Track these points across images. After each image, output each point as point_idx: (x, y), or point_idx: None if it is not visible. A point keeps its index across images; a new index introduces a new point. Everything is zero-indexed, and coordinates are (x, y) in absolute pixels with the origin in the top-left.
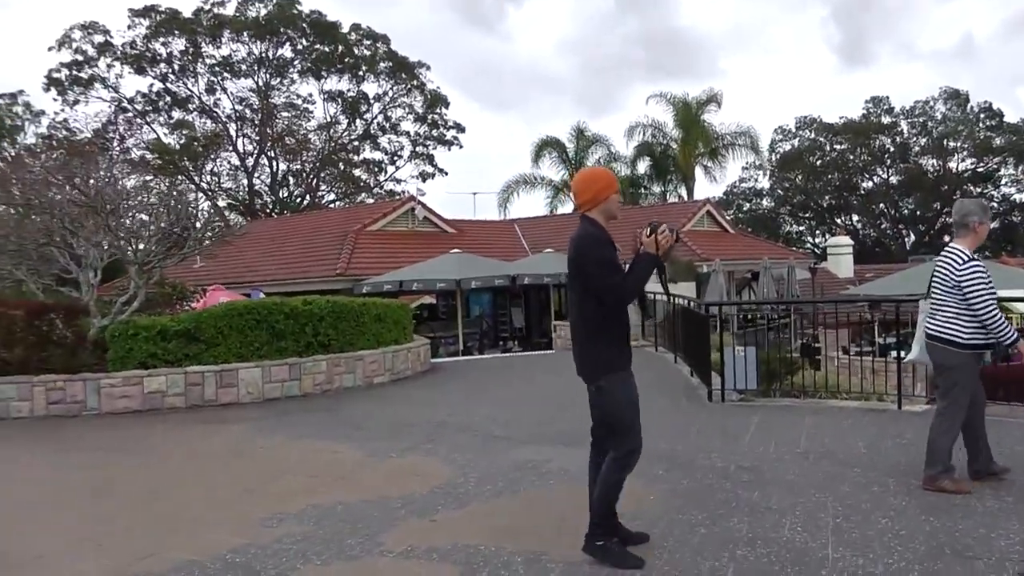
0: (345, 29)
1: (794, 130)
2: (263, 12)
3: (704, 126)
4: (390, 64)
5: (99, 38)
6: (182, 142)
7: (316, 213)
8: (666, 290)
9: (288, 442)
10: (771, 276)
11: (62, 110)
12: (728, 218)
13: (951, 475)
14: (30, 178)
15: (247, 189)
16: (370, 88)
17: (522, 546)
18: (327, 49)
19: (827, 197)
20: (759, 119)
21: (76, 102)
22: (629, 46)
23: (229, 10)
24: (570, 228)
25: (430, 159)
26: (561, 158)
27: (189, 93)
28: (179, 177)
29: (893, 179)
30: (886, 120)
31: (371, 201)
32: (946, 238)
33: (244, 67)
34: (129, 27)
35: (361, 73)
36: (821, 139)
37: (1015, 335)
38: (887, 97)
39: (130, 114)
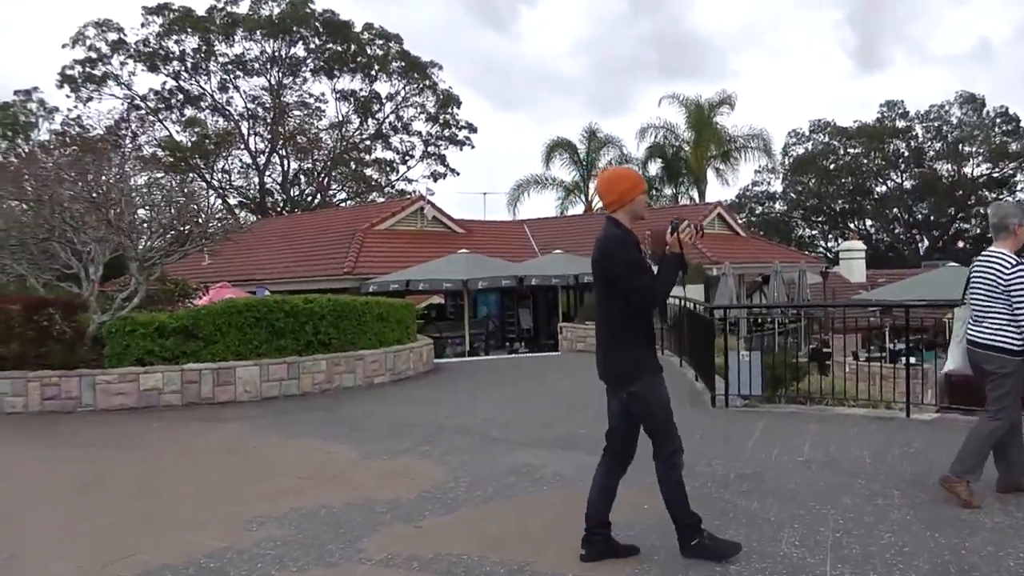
0: (358, 28)
1: (808, 133)
2: (276, 11)
3: (716, 128)
4: (402, 64)
5: (113, 36)
6: (193, 139)
7: (325, 212)
8: (684, 289)
9: (283, 442)
10: (782, 280)
11: (75, 107)
12: (740, 221)
13: (971, 484)
14: (42, 174)
15: (258, 187)
16: (382, 87)
17: (507, 555)
18: (340, 48)
19: (840, 201)
20: (772, 122)
21: (89, 99)
22: (642, 47)
23: (242, 8)
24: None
25: (442, 159)
26: (572, 159)
27: (201, 91)
28: (190, 175)
29: (907, 184)
30: (901, 124)
31: (382, 200)
32: (960, 244)
33: (257, 65)
34: (143, 25)
35: (373, 72)
36: (835, 143)
37: None
38: (902, 101)
39: (143, 111)
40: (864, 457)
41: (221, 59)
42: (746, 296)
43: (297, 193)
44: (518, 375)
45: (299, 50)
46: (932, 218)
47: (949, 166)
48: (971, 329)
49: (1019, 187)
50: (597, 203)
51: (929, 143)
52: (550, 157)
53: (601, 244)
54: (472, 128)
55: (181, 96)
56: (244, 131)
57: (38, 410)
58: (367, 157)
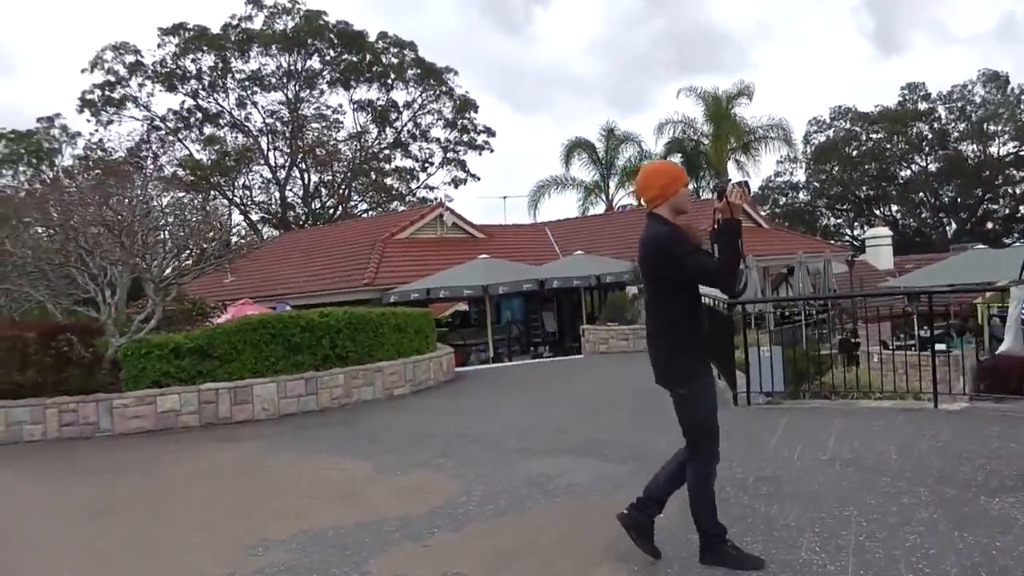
0: (372, 38)
1: (828, 121)
2: (290, 25)
3: (735, 120)
4: (418, 71)
5: (130, 58)
6: (213, 158)
7: (345, 223)
8: (743, 254)
9: (298, 459)
10: (807, 271)
11: (96, 131)
12: (764, 213)
13: None
14: (66, 199)
15: (279, 202)
16: (399, 96)
17: (516, 573)
18: (355, 59)
19: (864, 188)
20: (793, 111)
21: (110, 122)
22: (659, 44)
23: (257, 24)
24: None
25: (462, 164)
26: (591, 159)
27: (220, 108)
28: (211, 193)
29: (932, 167)
30: (923, 107)
31: (403, 209)
32: (988, 225)
33: (273, 80)
34: (159, 46)
35: (390, 81)
36: (856, 129)
37: None
38: (923, 83)
39: (162, 132)
40: (890, 453)
41: (238, 75)
42: (771, 289)
43: (319, 206)
44: (539, 380)
45: (315, 62)
46: (959, 200)
47: (974, 146)
48: None
49: None
50: (618, 201)
51: (953, 124)
52: (569, 157)
53: (648, 242)
54: (491, 132)
55: (200, 114)
56: (264, 146)
57: (56, 437)
58: (387, 166)
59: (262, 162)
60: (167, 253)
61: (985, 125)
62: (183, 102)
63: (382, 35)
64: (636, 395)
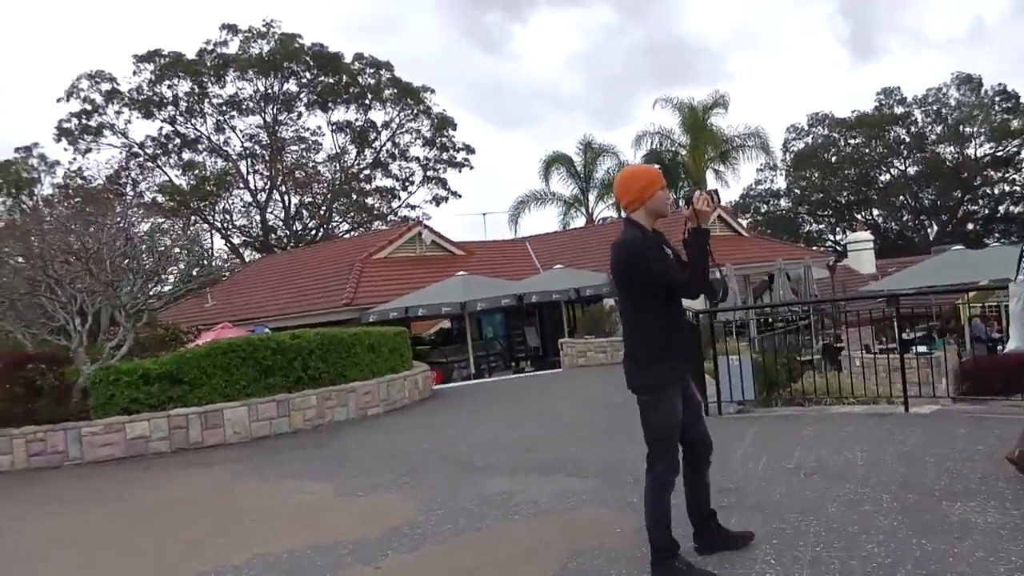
0: (348, 59)
1: (806, 128)
2: (266, 48)
3: (712, 130)
4: (395, 91)
5: (106, 86)
6: (193, 183)
7: (324, 245)
8: (713, 260)
9: (263, 484)
10: (786, 277)
11: (74, 159)
12: (746, 221)
13: None
14: (45, 228)
15: (260, 225)
16: (377, 116)
17: None
18: (331, 80)
19: (845, 193)
20: (771, 119)
21: (88, 150)
22: (637, 57)
23: (232, 49)
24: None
25: (442, 183)
26: (570, 172)
27: (198, 133)
28: (192, 218)
29: (911, 170)
30: (899, 111)
31: (384, 228)
32: (969, 226)
33: (251, 104)
34: (134, 73)
35: (367, 102)
36: (835, 135)
37: None
38: (898, 87)
39: (141, 158)
40: (856, 459)
41: (215, 100)
42: (754, 297)
43: (301, 228)
44: (515, 396)
45: (292, 85)
46: (939, 203)
47: (952, 149)
48: None
49: None
50: (598, 214)
51: (930, 127)
52: (548, 172)
53: (617, 248)
54: (470, 149)
55: (178, 140)
56: (243, 170)
57: (24, 467)
58: (367, 186)
59: (242, 186)
60: (136, 280)
61: (961, 127)
62: (161, 128)
63: (358, 56)
64: (608, 409)
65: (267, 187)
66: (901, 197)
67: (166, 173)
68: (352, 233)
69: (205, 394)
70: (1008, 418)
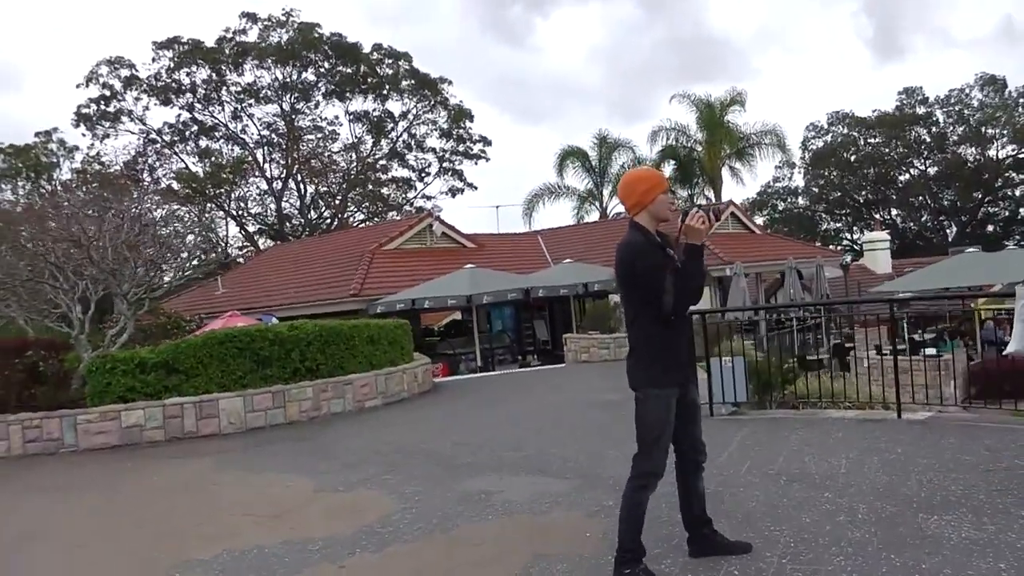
0: (367, 49)
1: (826, 126)
2: (285, 37)
3: (729, 127)
4: (412, 81)
5: (125, 72)
6: (208, 170)
7: (336, 234)
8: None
9: (246, 476)
10: (797, 275)
11: (92, 145)
12: (763, 218)
13: None
14: (65, 213)
15: (276, 213)
16: (394, 106)
17: None
18: (350, 70)
19: (864, 192)
20: (794, 117)
21: (106, 136)
22: (660, 52)
23: (251, 37)
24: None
25: (459, 174)
26: (584, 167)
27: (215, 121)
28: (208, 205)
29: (931, 170)
30: (920, 111)
31: (399, 219)
32: (989, 228)
33: (269, 93)
34: (153, 60)
35: (385, 92)
36: (854, 134)
37: None
38: (920, 87)
39: (158, 145)
40: (839, 467)
41: (233, 88)
42: (765, 296)
43: (316, 217)
44: (515, 391)
45: (310, 75)
46: (959, 204)
47: (973, 150)
48: None
49: None
50: (612, 209)
51: (951, 128)
52: (563, 166)
53: (620, 251)
54: (487, 141)
55: (195, 127)
56: (259, 158)
57: (20, 453)
58: (383, 176)
59: (258, 174)
60: (138, 268)
61: (983, 128)
62: (179, 115)
63: (377, 47)
64: (604, 407)
65: (283, 176)
66: (920, 197)
67: (183, 160)
68: (367, 223)
69: (201, 384)
70: (1001, 427)
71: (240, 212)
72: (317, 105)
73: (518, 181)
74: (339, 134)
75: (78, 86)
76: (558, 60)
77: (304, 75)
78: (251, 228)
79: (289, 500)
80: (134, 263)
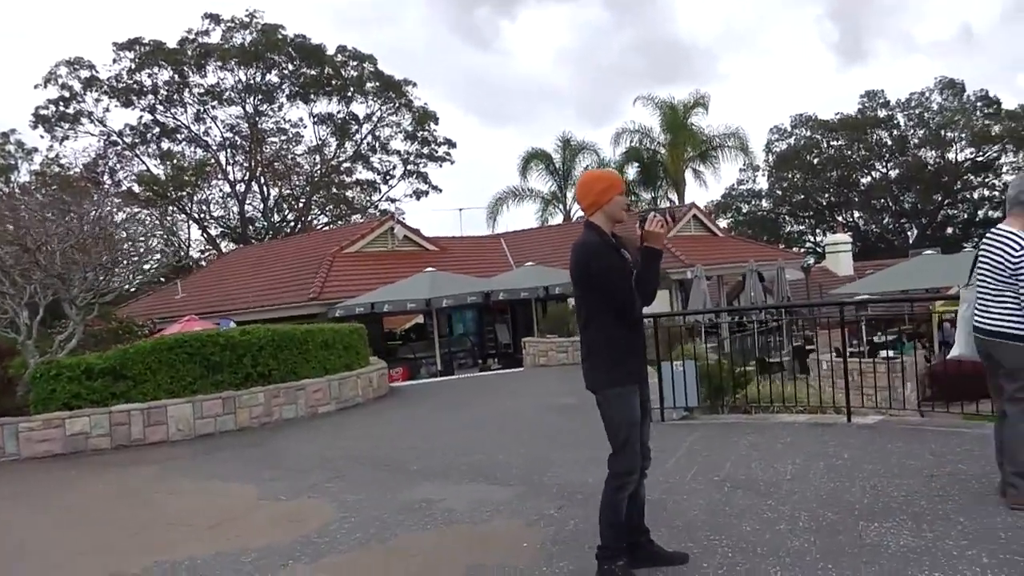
0: (331, 51)
1: (789, 129)
2: (248, 39)
3: (692, 130)
4: (377, 84)
5: (85, 73)
6: (170, 173)
7: (298, 237)
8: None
9: (190, 484)
10: (757, 278)
11: (51, 146)
12: (727, 221)
13: None
14: (23, 216)
15: (239, 216)
16: (359, 109)
17: None
18: (314, 72)
19: (827, 195)
20: (760, 120)
21: (65, 138)
22: (628, 54)
23: (214, 38)
24: (559, 239)
25: (423, 177)
26: (548, 169)
27: (178, 123)
28: (170, 208)
29: (892, 173)
30: (882, 114)
31: (362, 222)
32: (949, 230)
33: (232, 95)
34: (114, 61)
35: (349, 94)
36: (817, 136)
37: None
38: (882, 90)
39: (119, 147)
40: (785, 473)
41: (195, 90)
42: (727, 299)
43: (279, 219)
44: (471, 396)
45: (273, 76)
46: (919, 206)
47: (933, 153)
48: (978, 315)
49: (1003, 170)
50: (576, 212)
51: (912, 131)
52: (526, 168)
53: (575, 251)
54: (452, 144)
55: (157, 129)
56: (223, 160)
57: None
58: (347, 179)
59: (221, 176)
60: (87, 272)
61: (943, 132)
62: (140, 117)
63: (341, 48)
64: (559, 412)
65: (246, 178)
66: (882, 200)
67: (144, 162)
68: (331, 226)
69: (150, 390)
70: (948, 431)
71: (202, 215)
72: (281, 107)
73: (485, 184)
74: (303, 136)
75: (36, 87)
76: (526, 62)
77: (268, 77)
78: (213, 231)
79: (231, 509)
80: (83, 268)
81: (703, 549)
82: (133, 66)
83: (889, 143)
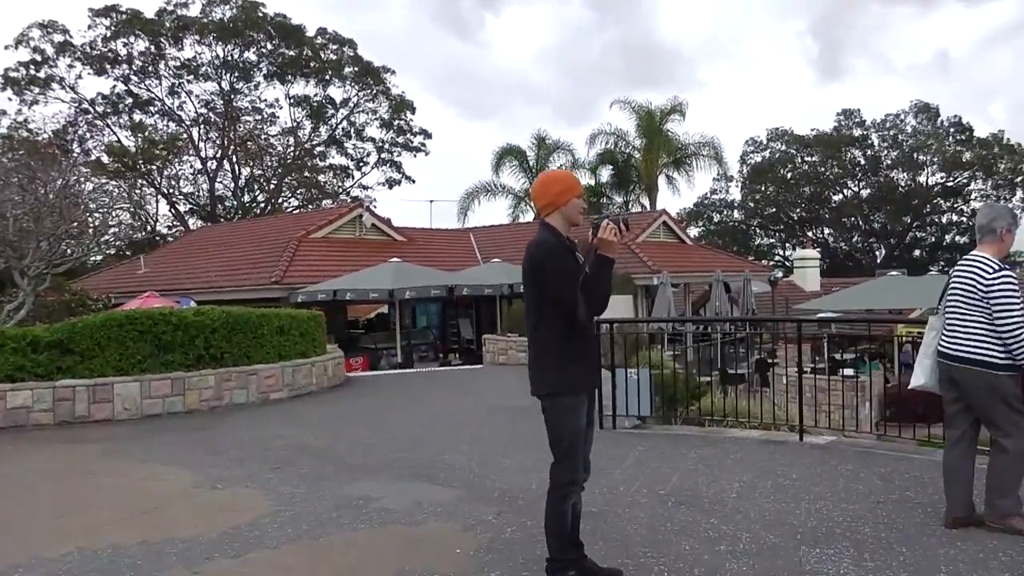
0: (311, 33)
1: (765, 142)
2: (228, 14)
3: (668, 136)
4: (356, 69)
5: (58, 37)
6: (141, 145)
7: (266, 219)
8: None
9: (127, 466)
10: (723, 289)
11: (19, 111)
12: (697, 230)
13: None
14: None
15: (208, 194)
16: (336, 93)
17: None
18: (292, 53)
19: (798, 209)
20: (737, 130)
21: (35, 102)
22: (610, 56)
23: (193, 11)
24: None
25: (397, 166)
26: (522, 166)
27: (151, 95)
28: (138, 181)
29: (864, 192)
30: (857, 133)
31: (332, 207)
32: (916, 252)
33: (208, 70)
34: (89, 27)
35: (327, 77)
36: (792, 151)
37: None
38: (858, 110)
39: (90, 115)
40: (731, 491)
41: (171, 63)
42: (692, 308)
43: (249, 200)
44: (428, 390)
45: (251, 54)
46: (888, 227)
47: (905, 175)
48: (944, 340)
49: (972, 196)
50: None
51: (885, 152)
52: (500, 164)
53: (530, 251)
54: (427, 134)
55: (130, 100)
56: (195, 136)
57: None
58: (320, 163)
59: (192, 152)
60: (38, 242)
61: (915, 155)
62: (113, 86)
63: (321, 31)
64: (511, 412)
65: (218, 156)
66: (852, 218)
67: (115, 133)
68: (301, 209)
69: (97, 366)
70: (899, 456)
71: (172, 190)
72: (257, 86)
73: (459, 176)
74: (278, 117)
75: (7, 47)
76: (507, 57)
77: (246, 55)
78: (182, 208)
79: (163, 494)
80: (37, 237)
81: (638, 567)
82: (108, 34)
83: (862, 162)
